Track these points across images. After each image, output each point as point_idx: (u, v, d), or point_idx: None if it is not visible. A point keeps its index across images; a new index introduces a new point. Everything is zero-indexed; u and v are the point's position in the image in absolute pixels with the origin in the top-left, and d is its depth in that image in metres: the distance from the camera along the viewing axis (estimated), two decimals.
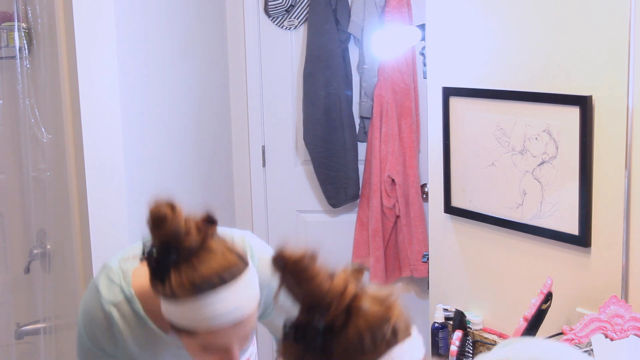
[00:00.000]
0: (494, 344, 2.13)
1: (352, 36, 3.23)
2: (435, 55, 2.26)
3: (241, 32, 3.36)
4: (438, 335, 2.22)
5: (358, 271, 0.97)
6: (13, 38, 2.78)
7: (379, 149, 3.16)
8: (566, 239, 1.92)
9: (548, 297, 1.84)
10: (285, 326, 0.98)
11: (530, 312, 1.82)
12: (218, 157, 3.32)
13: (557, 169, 1.91)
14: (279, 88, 3.39)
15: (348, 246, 3.30)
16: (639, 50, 1.72)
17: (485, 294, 2.19)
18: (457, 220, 2.24)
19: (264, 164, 3.45)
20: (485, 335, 2.16)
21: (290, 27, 3.32)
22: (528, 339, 1.04)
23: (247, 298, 1.33)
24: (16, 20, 2.77)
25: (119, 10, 2.57)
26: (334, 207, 3.32)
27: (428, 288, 2.42)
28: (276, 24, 3.33)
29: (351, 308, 0.94)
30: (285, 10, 3.29)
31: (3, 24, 2.83)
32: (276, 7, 3.28)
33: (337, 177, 3.26)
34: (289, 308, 1.66)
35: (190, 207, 1.33)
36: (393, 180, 3.14)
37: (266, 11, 3.32)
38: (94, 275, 1.66)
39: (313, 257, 0.96)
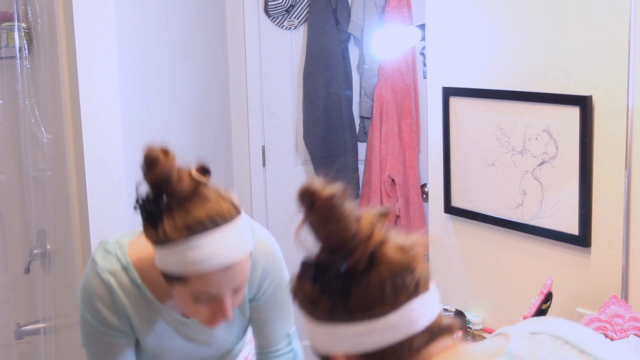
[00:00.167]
0: None
1: (352, 36, 3.23)
2: (435, 55, 2.26)
3: (241, 32, 3.36)
4: None
5: (384, 215, 0.94)
6: (13, 38, 2.78)
7: (379, 149, 3.16)
8: (566, 239, 1.92)
9: (548, 297, 1.84)
10: (304, 264, 0.94)
11: (530, 312, 1.82)
12: (218, 157, 3.32)
13: (557, 169, 1.91)
14: (279, 88, 3.39)
15: None
16: (639, 50, 1.72)
17: (485, 294, 2.19)
18: (457, 220, 2.24)
19: (264, 164, 3.45)
20: (485, 335, 2.16)
21: (290, 27, 3.32)
22: (555, 318, 1.02)
23: (238, 243, 1.35)
24: (16, 20, 2.77)
25: (119, 10, 2.57)
26: None
27: None
28: (276, 24, 3.33)
29: (375, 253, 0.91)
30: (285, 10, 3.29)
31: (3, 24, 2.83)
32: (276, 7, 3.28)
33: (337, 177, 3.25)
34: (280, 301, 1.67)
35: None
36: (393, 180, 3.14)
37: (266, 11, 3.32)
38: None
39: (343, 196, 0.92)
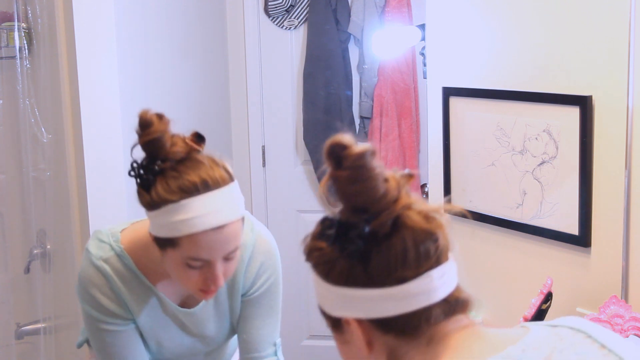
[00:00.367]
0: None
1: (352, 36, 3.23)
2: (435, 55, 2.26)
3: (241, 32, 3.36)
4: None
5: (408, 177, 0.90)
6: (13, 38, 2.78)
7: (379, 149, 3.16)
8: (566, 239, 1.92)
9: (548, 297, 1.84)
10: (324, 223, 0.89)
11: (530, 312, 1.82)
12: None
13: (557, 169, 1.91)
14: (279, 88, 3.39)
15: None
16: (639, 50, 1.72)
17: (485, 294, 2.19)
18: (457, 220, 2.24)
19: (264, 164, 3.45)
20: None
21: (290, 27, 3.32)
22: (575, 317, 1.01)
23: (229, 205, 1.37)
24: (16, 20, 2.77)
25: (119, 10, 2.57)
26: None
27: None
28: (276, 24, 3.33)
29: (400, 217, 0.87)
30: (285, 10, 3.29)
31: (3, 24, 2.83)
32: (276, 7, 3.28)
33: None
34: (271, 303, 1.67)
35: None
36: None
37: (266, 11, 3.32)
38: None
39: (374, 154, 0.86)
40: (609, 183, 1.81)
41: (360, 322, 0.90)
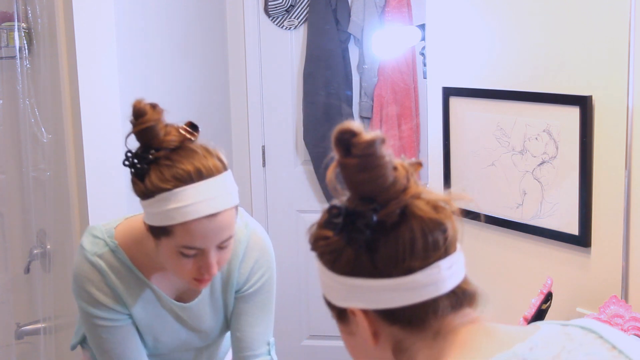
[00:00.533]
0: None
1: (352, 36, 3.23)
2: (435, 55, 2.26)
3: (241, 32, 3.36)
4: None
5: (417, 165, 0.89)
6: (13, 38, 2.78)
7: None
8: (566, 239, 1.92)
9: (548, 297, 1.84)
10: (330, 211, 0.87)
11: (530, 312, 1.82)
12: None
13: (557, 169, 1.91)
14: (279, 88, 3.39)
15: None
16: (639, 50, 1.72)
17: (485, 294, 2.19)
18: (460, 221, 2.24)
19: (264, 164, 3.45)
20: None
21: (290, 27, 3.32)
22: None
23: (223, 193, 1.37)
24: (16, 20, 2.77)
25: (119, 10, 2.57)
26: None
27: None
28: (276, 24, 3.33)
29: (408, 207, 0.85)
30: (285, 10, 3.29)
31: (3, 24, 2.83)
32: (276, 7, 3.28)
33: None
34: (265, 301, 1.67)
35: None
36: None
37: (266, 11, 3.32)
38: None
39: (383, 141, 0.84)
40: (609, 183, 1.81)
41: (366, 312, 0.89)
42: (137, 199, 1.39)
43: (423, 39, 2.35)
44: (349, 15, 3.18)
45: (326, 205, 0.88)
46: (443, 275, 0.88)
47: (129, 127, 1.37)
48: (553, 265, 1.97)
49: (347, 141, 0.83)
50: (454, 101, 2.18)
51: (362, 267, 0.86)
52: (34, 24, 2.76)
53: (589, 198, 1.85)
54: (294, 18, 3.31)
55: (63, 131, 2.66)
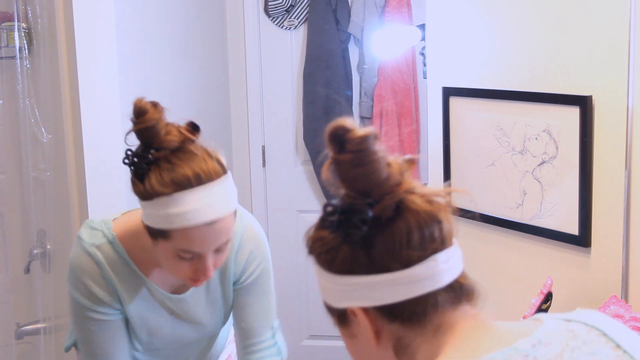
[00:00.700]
0: None
1: (352, 36, 3.23)
2: (435, 55, 2.26)
3: (241, 32, 3.36)
4: None
5: (411, 162, 0.89)
6: (13, 38, 2.78)
7: None
8: (566, 239, 1.92)
9: (548, 297, 1.84)
10: (325, 210, 0.87)
11: (530, 312, 1.82)
12: None
13: (557, 169, 1.91)
14: (279, 88, 3.39)
15: None
16: (639, 50, 1.72)
17: (485, 294, 2.19)
18: (457, 220, 2.24)
19: (264, 164, 3.45)
20: None
21: (290, 27, 3.32)
22: (594, 311, 0.98)
23: (222, 199, 1.37)
24: (16, 20, 2.77)
25: (119, 10, 2.57)
26: None
27: None
28: (276, 24, 3.33)
29: (403, 201, 0.86)
30: (285, 10, 3.29)
31: (3, 24, 2.83)
32: (276, 7, 3.28)
33: None
34: (264, 289, 1.68)
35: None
36: None
37: (266, 11, 3.32)
38: None
39: (376, 137, 0.85)
40: (609, 183, 1.81)
41: (366, 311, 0.89)
42: (137, 197, 1.39)
43: (423, 39, 2.36)
44: (349, 15, 3.18)
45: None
46: (440, 269, 0.88)
47: (129, 126, 1.37)
48: (553, 265, 1.97)
49: (340, 137, 0.84)
50: (454, 101, 2.18)
51: (359, 263, 0.87)
52: (34, 24, 2.76)
53: (589, 198, 1.85)
54: (294, 18, 3.31)
55: (63, 131, 2.66)
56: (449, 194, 0.90)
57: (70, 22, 2.50)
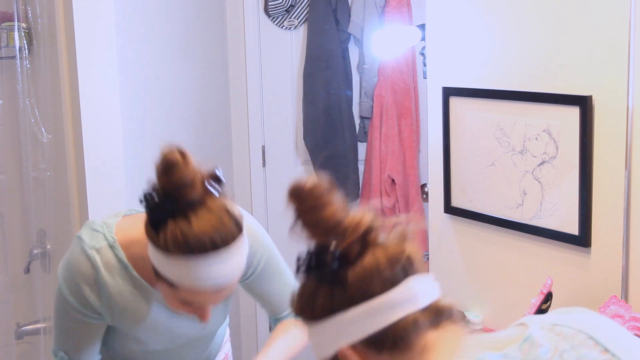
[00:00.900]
0: None
1: (352, 36, 3.23)
2: (435, 55, 2.26)
3: (241, 32, 3.36)
4: None
5: (372, 209, 0.98)
6: (13, 38, 2.78)
7: (379, 149, 3.16)
8: (566, 239, 1.92)
9: (548, 297, 1.84)
10: (297, 261, 0.97)
11: (530, 312, 1.82)
12: (218, 157, 3.32)
13: (557, 169, 1.91)
14: (279, 88, 3.39)
15: None
16: (639, 50, 1.72)
17: (485, 294, 2.19)
18: (457, 220, 2.24)
19: (264, 164, 3.45)
20: None
21: (290, 27, 3.32)
22: (583, 310, 1.01)
23: (234, 267, 1.36)
24: (16, 20, 2.77)
25: (119, 10, 2.56)
26: None
27: None
28: (276, 24, 3.33)
29: (366, 237, 0.94)
30: (285, 10, 3.29)
31: (3, 24, 2.83)
32: (276, 7, 3.28)
33: (337, 177, 3.25)
34: (274, 271, 1.70)
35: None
36: (393, 180, 3.14)
37: (266, 11, 3.32)
38: None
39: (330, 188, 0.97)
40: (609, 183, 1.81)
41: (354, 348, 0.94)
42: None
43: (423, 39, 2.36)
44: (349, 15, 3.18)
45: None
46: (415, 292, 0.94)
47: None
48: (553, 265, 1.97)
49: (296, 193, 0.96)
50: (454, 101, 2.18)
51: (338, 300, 0.93)
52: (34, 24, 2.76)
53: (589, 198, 1.85)
54: (294, 18, 3.31)
55: (63, 131, 2.66)
56: (408, 222, 0.99)
57: (70, 22, 2.50)
